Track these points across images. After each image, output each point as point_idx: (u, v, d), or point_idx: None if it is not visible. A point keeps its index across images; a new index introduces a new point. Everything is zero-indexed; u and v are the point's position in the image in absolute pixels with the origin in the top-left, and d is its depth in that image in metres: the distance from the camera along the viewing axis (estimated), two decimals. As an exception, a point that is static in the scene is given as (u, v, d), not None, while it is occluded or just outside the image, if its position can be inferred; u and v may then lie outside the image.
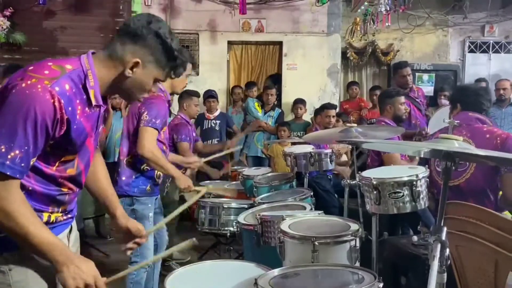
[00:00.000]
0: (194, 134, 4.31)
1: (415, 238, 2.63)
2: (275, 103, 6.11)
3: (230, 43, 6.52)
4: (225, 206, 3.08)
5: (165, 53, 1.41)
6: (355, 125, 2.86)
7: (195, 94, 4.36)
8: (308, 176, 3.67)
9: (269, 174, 3.77)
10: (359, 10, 5.58)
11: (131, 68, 1.39)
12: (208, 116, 5.80)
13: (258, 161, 5.91)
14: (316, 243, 1.77)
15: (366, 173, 2.22)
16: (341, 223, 1.90)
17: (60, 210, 1.43)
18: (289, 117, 6.18)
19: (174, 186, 3.64)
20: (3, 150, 1.18)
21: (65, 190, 1.41)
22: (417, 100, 4.88)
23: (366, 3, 5.27)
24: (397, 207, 2.07)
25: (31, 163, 1.25)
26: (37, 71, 1.26)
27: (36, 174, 1.33)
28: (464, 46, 6.83)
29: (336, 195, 4.23)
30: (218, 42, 6.41)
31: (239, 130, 6.02)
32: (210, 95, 5.75)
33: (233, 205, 3.12)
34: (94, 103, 1.37)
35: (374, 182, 2.05)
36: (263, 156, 5.86)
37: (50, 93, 1.23)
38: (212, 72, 6.40)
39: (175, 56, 1.42)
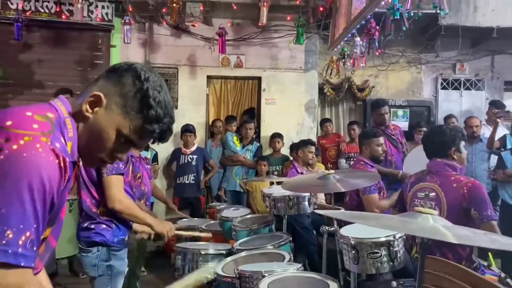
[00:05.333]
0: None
1: (394, 284, 2.63)
2: (254, 137, 6.15)
3: (209, 77, 6.57)
4: (203, 252, 3.02)
5: (139, 98, 1.11)
6: (333, 171, 2.88)
7: None
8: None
9: (248, 216, 3.74)
10: (335, 49, 5.72)
11: (92, 106, 1.12)
12: (184, 151, 5.78)
13: (236, 196, 5.90)
14: (295, 305, 1.75)
15: (344, 232, 2.23)
16: (320, 282, 1.89)
17: None
18: (267, 151, 6.21)
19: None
20: (11, 236, 0.93)
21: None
22: (393, 137, 4.98)
23: (342, 43, 5.40)
24: (376, 267, 2.08)
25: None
26: (22, 126, 1.01)
27: None
28: (437, 83, 7.05)
29: (314, 231, 4.23)
30: (198, 77, 6.45)
31: (216, 165, 6.02)
32: (186, 129, 5.75)
33: (211, 251, 3.06)
34: (70, 158, 1.10)
35: (352, 242, 2.06)
36: (242, 190, 5.85)
37: (54, 152, 1.00)
38: (191, 106, 6.42)
39: (150, 105, 1.11)
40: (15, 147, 0.97)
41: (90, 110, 1.12)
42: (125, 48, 6.14)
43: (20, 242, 0.94)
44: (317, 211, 1.65)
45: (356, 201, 3.66)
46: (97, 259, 2.42)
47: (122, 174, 2.45)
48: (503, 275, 2.64)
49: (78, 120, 1.13)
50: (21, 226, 0.94)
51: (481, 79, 7.05)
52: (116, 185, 2.38)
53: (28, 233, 0.95)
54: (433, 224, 1.16)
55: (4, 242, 0.92)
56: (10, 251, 0.93)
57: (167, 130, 1.17)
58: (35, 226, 0.97)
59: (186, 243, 3.38)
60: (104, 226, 2.44)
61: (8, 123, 1.01)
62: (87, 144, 1.14)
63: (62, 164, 1.01)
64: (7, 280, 0.94)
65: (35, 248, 0.98)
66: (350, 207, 3.75)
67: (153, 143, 1.20)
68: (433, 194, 2.64)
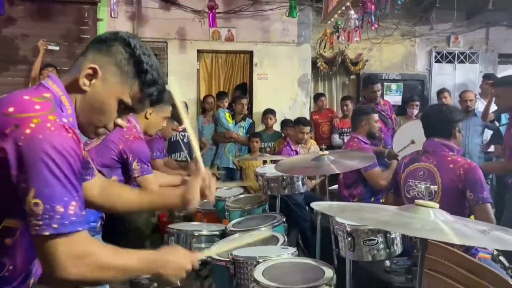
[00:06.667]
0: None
1: (387, 263, 2.64)
2: (246, 113, 6.06)
3: (200, 51, 6.41)
4: (196, 234, 2.99)
5: (133, 64, 1.16)
6: (327, 152, 2.84)
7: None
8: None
9: (241, 196, 3.70)
10: (329, 22, 5.58)
11: (89, 79, 1.14)
12: (176, 128, 5.67)
13: (229, 172, 5.85)
14: (290, 294, 1.72)
15: (340, 219, 2.19)
16: (316, 268, 1.86)
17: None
18: (259, 127, 6.14)
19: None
20: (62, 210, 1.01)
21: None
22: (383, 113, 4.93)
23: (336, 16, 5.27)
24: (372, 255, 2.06)
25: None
26: (25, 110, 1.04)
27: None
28: (431, 56, 6.96)
29: (307, 207, 4.23)
30: (188, 51, 6.29)
31: (208, 141, 5.94)
32: None
33: (204, 232, 3.03)
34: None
35: (348, 229, 2.03)
36: (235, 167, 5.81)
37: (64, 128, 1.04)
38: (182, 81, 6.26)
39: (145, 69, 1.16)
40: (28, 131, 1.00)
41: (87, 83, 1.14)
42: (112, 21, 5.93)
43: (71, 212, 1.02)
44: (312, 205, 1.61)
45: (351, 178, 3.62)
46: None
47: (152, 173, 2.53)
48: (495, 252, 2.66)
49: (74, 96, 1.15)
50: (66, 199, 1.02)
51: (475, 52, 6.97)
52: (152, 182, 2.50)
53: (74, 202, 1.03)
54: (434, 219, 1.12)
55: (58, 216, 1.00)
56: (67, 222, 1.01)
57: (163, 91, 1.23)
58: (76, 194, 1.04)
59: (179, 223, 3.35)
60: None
61: (11, 109, 1.04)
62: (88, 117, 1.17)
63: (75, 137, 1.06)
64: (75, 246, 1.03)
65: (84, 212, 1.06)
66: (344, 185, 3.72)
67: (150, 106, 1.23)
68: (428, 175, 2.61)
